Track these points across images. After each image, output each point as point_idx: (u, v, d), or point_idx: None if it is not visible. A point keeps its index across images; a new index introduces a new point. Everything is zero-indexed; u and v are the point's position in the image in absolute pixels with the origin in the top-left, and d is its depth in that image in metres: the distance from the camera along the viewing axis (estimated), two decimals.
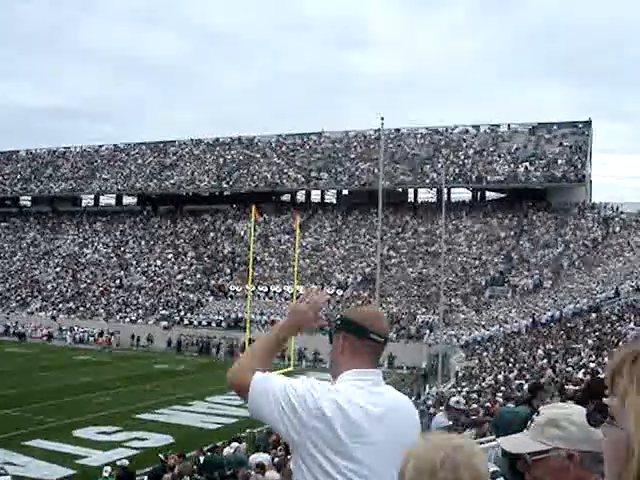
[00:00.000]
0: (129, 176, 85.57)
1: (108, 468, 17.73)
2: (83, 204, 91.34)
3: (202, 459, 17.67)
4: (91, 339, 58.27)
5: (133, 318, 61.79)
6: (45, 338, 59.47)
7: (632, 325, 29.85)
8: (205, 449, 20.40)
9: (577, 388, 15.89)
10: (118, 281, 69.88)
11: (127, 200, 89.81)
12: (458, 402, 8.73)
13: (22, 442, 24.74)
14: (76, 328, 60.21)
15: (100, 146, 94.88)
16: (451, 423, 8.85)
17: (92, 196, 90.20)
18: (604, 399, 1.23)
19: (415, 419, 2.89)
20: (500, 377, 26.48)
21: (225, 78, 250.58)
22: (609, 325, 33.01)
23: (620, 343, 26.01)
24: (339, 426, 2.55)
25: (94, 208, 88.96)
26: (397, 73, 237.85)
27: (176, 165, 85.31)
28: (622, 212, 64.86)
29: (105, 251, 77.07)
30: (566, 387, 16.84)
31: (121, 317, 62.33)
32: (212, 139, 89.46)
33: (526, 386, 21.82)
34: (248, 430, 23.47)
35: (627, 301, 40.03)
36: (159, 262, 72.52)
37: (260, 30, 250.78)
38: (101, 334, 57.80)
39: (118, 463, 18.60)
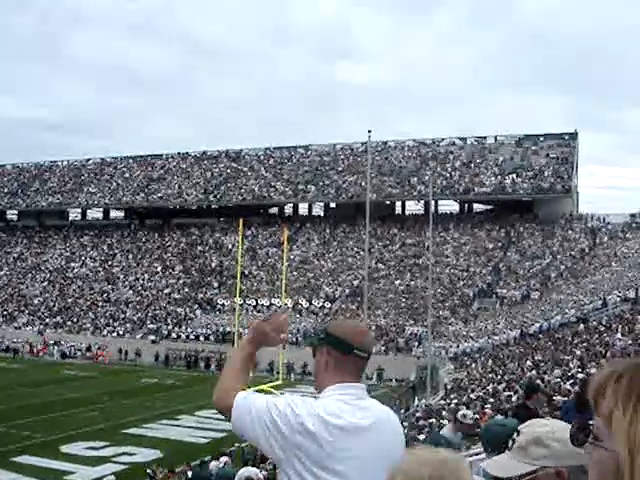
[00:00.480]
0: (116, 190, 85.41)
1: None
2: (70, 218, 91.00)
3: (190, 474, 17.57)
4: (79, 353, 57.90)
5: (121, 332, 61.54)
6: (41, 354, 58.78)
7: (619, 335, 29.94)
8: (193, 464, 20.29)
9: (565, 399, 15.89)
10: (105, 295, 69.62)
11: (114, 214, 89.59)
12: (465, 416, 8.64)
13: (9, 458, 24.54)
14: (63, 342, 59.80)
15: (87, 160, 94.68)
16: (460, 437, 8.72)
17: (79, 210, 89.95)
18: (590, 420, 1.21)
19: (400, 433, 2.88)
20: (489, 388, 26.49)
21: (212, 90, 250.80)
22: (597, 336, 33.09)
23: (608, 354, 26.08)
24: (324, 441, 2.53)
25: (81, 222, 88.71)
26: (384, 84, 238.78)
27: (163, 179, 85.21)
28: (609, 223, 65.16)
29: (92, 265, 76.79)
30: (554, 398, 16.86)
31: (109, 331, 62.03)
32: (199, 152, 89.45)
33: (515, 397, 21.83)
34: (237, 444, 23.33)
35: (615, 311, 40.16)
36: (147, 276, 72.33)
37: (247, 42, 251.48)
38: (89, 349, 57.54)
39: (108, 477, 18.48)
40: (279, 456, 2.58)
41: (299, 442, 2.53)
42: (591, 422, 1.17)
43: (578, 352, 29.52)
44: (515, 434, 2.24)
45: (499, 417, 11.38)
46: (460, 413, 8.83)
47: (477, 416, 17.17)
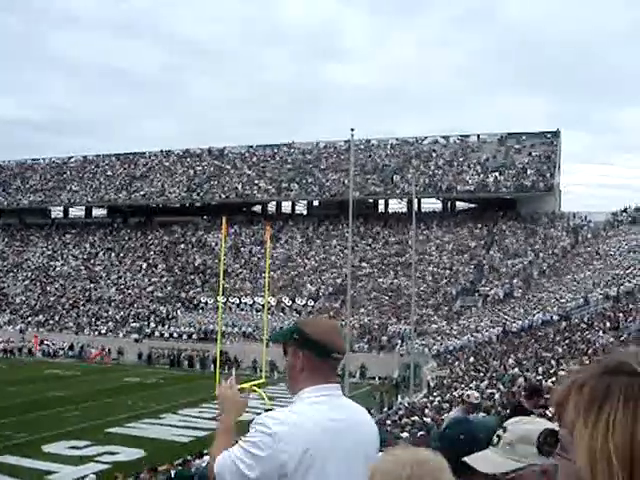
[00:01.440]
0: (99, 188, 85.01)
1: None
2: (52, 216, 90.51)
3: (173, 473, 17.53)
4: (61, 352, 57.57)
5: (103, 331, 61.29)
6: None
7: (601, 333, 30.16)
8: (176, 463, 20.24)
9: (547, 397, 15.97)
10: (88, 294, 69.31)
11: (97, 212, 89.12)
12: (469, 396, 8.84)
13: None
14: (46, 342, 59.40)
15: (69, 158, 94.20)
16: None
17: (61, 208, 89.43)
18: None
19: (375, 431, 2.92)
20: (472, 386, 26.58)
21: (197, 89, 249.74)
22: (579, 333, 33.31)
23: (590, 351, 26.26)
24: (306, 450, 2.56)
25: (63, 220, 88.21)
26: (369, 84, 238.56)
27: (146, 176, 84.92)
28: (591, 221, 65.53)
29: (75, 263, 76.42)
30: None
31: (91, 330, 61.77)
32: (182, 150, 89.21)
33: (497, 395, 21.93)
34: None
35: (596, 309, 40.43)
36: (129, 274, 72.09)
37: (233, 41, 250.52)
38: (71, 347, 57.27)
39: (91, 475, 18.39)
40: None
41: (283, 459, 2.54)
42: (559, 432, 1.17)
43: (560, 350, 29.71)
44: (501, 430, 2.24)
45: (481, 415, 11.41)
46: (465, 394, 9.05)
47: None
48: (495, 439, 2.23)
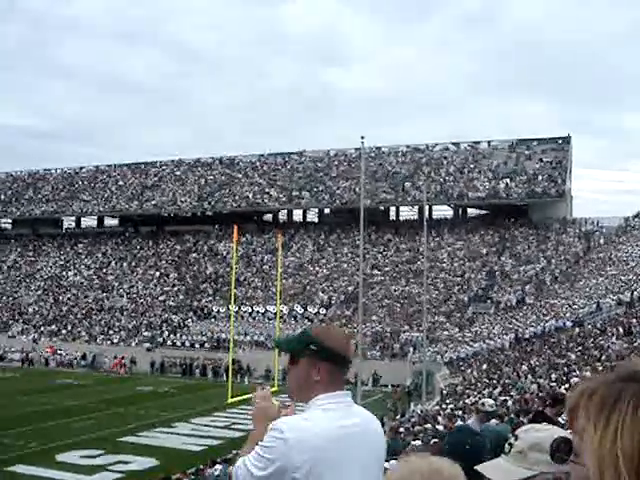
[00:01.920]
0: (110, 198, 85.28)
1: None
2: (64, 226, 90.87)
3: None
4: (75, 362, 57.74)
5: (116, 340, 61.39)
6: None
7: (614, 339, 30.00)
8: (189, 472, 20.24)
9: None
10: (100, 303, 69.49)
11: (109, 222, 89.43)
12: (484, 404, 8.76)
13: (4, 468, 24.42)
14: (59, 351, 59.60)
15: (81, 168, 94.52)
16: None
17: (73, 218, 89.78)
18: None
19: (382, 435, 2.98)
20: (485, 393, 26.48)
21: (205, 98, 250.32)
22: (592, 340, 33.15)
23: (603, 357, 26.14)
24: (318, 457, 2.57)
25: (75, 230, 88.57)
26: (378, 90, 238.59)
27: (157, 186, 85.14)
28: (603, 227, 65.30)
29: (87, 273, 76.66)
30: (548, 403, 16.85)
31: (104, 339, 61.91)
32: (193, 160, 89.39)
33: (510, 402, 21.83)
34: (234, 451, 23.28)
35: (609, 315, 40.24)
36: (141, 283, 72.24)
37: (241, 48, 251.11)
38: (83, 357, 57.41)
39: None
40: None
41: (305, 461, 2.56)
42: (571, 439, 1.18)
43: (573, 356, 29.58)
44: (513, 439, 2.24)
45: (493, 422, 11.39)
46: (480, 402, 8.97)
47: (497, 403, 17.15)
48: (507, 447, 2.23)
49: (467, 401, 25.91)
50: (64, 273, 77.52)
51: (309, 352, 2.78)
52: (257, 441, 2.85)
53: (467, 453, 2.18)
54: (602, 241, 62.55)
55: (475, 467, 2.29)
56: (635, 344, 26.38)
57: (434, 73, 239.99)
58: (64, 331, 64.63)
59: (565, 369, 26.03)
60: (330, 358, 2.77)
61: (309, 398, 2.77)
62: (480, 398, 25.58)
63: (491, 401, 9.34)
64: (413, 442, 14.71)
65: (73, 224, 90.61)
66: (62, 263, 79.76)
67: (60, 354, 58.86)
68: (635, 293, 41.92)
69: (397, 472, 1.80)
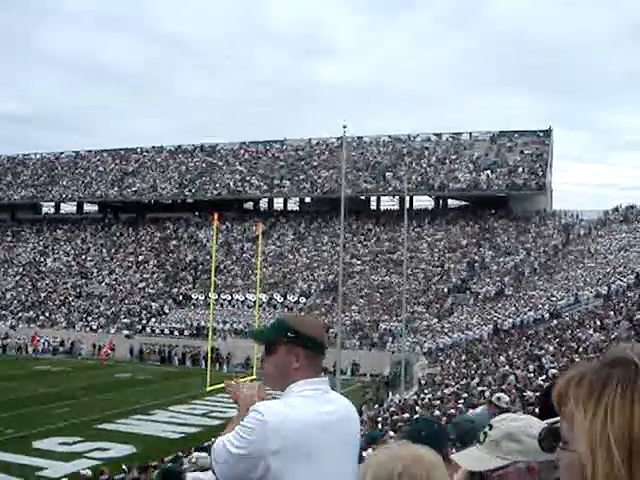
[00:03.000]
0: (90, 183, 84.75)
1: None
2: (43, 212, 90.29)
3: (163, 469, 17.48)
4: (50, 348, 57.43)
5: (94, 327, 61.16)
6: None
7: (591, 331, 30.22)
8: (166, 459, 20.22)
9: (537, 394, 16.02)
10: (79, 289, 69.17)
11: (88, 208, 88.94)
12: (499, 399, 8.75)
13: None
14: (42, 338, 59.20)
15: (61, 153, 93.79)
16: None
17: (53, 204, 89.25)
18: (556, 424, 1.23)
19: (358, 421, 3.02)
20: (463, 384, 26.63)
21: (190, 86, 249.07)
22: (569, 331, 33.37)
23: (580, 349, 26.33)
24: (296, 441, 2.60)
25: (55, 216, 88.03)
26: (362, 81, 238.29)
27: (138, 172, 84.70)
28: (582, 219, 65.71)
29: (66, 259, 76.25)
30: (525, 393, 17.03)
31: (82, 326, 61.63)
32: (174, 146, 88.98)
33: (487, 392, 21.97)
34: (213, 439, 23.25)
35: (587, 307, 40.54)
36: (121, 270, 71.97)
37: (226, 38, 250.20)
38: (61, 343, 57.14)
39: (82, 472, 18.32)
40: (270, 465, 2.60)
41: (278, 449, 2.57)
42: (558, 427, 1.20)
43: (551, 348, 29.75)
44: (487, 428, 2.26)
45: (471, 411, 11.45)
46: (495, 396, 8.98)
47: (452, 411, 17.26)
48: (482, 436, 2.25)
49: (445, 391, 26.02)
50: (43, 259, 77.06)
51: (287, 340, 2.81)
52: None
53: (423, 441, 2.19)
54: (581, 234, 62.96)
55: (451, 456, 2.32)
56: (612, 336, 26.58)
57: (418, 65, 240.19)
58: (42, 317, 64.26)
59: (543, 360, 26.18)
60: (308, 345, 2.81)
61: (287, 385, 2.79)
62: (459, 388, 25.70)
63: (506, 397, 9.33)
64: (392, 431, 14.77)
65: (52, 210, 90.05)
66: (41, 249, 79.28)
67: (45, 341, 58.51)
68: (612, 286, 42.26)
69: (376, 458, 1.81)
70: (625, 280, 42.51)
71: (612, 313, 33.52)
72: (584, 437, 1.07)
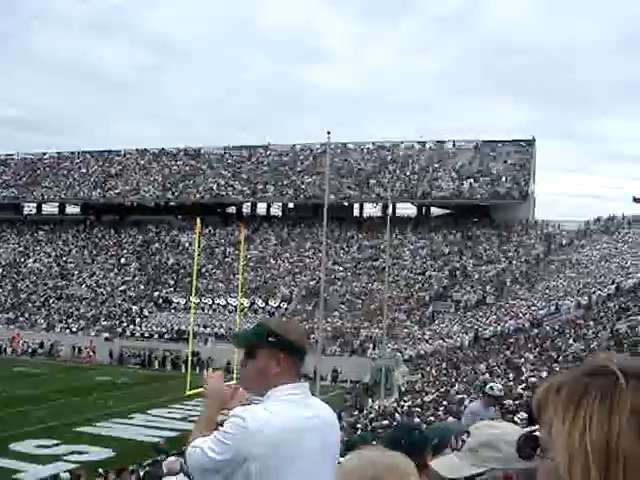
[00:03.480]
0: (72, 185, 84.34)
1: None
2: (25, 212, 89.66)
3: (142, 473, 17.43)
4: (29, 350, 57.03)
5: (74, 329, 60.83)
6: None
7: (571, 341, 30.38)
8: (145, 463, 20.14)
9: (517, 402, 16.08)
10: (59, 291, 68.77)
11: (70, 209, 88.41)
12: (492, 388, 8.71)
13: None
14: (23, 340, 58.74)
15: (43, 154, 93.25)
16: (493, 411, 8.68)
17: (34, 204, 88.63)
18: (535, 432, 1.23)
19: (338, 427, 3.04)
20: (443, 391, 26.69)
21: (175, 90, 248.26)
22: (550, 341, 33.52)
23: (560, 358, 26.45)
24: (276, 446, 2.60)
25: (36, 217, 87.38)
26: (347, 88, 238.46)
27: (121, 175, 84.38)
28: (563, 230, 66.02)
29: (47, 260, 75.78)
30: (504, 402, 17.04)
31: (62, 328, 61.28)
32: (158, 149, 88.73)
33: (467, 401, 22.00)
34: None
35: (567, 317, 40.74)
36: (102, 272, 71.60)
37: (213, 42, 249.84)
38: (40, 345, 56.78)
39: (61, 475, 18.22)
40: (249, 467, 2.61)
41: (259, 453, 2.58)
42: (537, 434, 1.20)
43: (531, 356, 29.89)
44: (465, 435, 2.26)
45: (450, 419, 11.48)
46: (487, 386, 8.92)
47: (432, 418, 17.31)
48: (460, 443, 2.25)
49: (426, 398, 26.08)
50: (23, 259, 76.57)
51: (268, 344, 2.81)
52: (209, 422, 2.88)
53: (403, 449, 2.20)
54: (563, 243, 63.28)
55: (429, 463, 2.32)
56: (592, 346, 26.72)
57: (404, 73, 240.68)
58: (22, 318, 63.87)
59: (523, 369, 26.29)
60: (289, 349, 2.81)
61: (267, 389, 2.79)
62: (439, 395, 25.76)
63: (499, 385, 9.31)
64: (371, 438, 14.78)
65: (34, 210, 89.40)
66: (21, 249, 78.74)
67: (25, 342, 58.08)
68: (593, 296, 42.49)
69: (349, 463, 1.81)
70: (605, 290, 42.78)
71: (592, 323, 33.72)
72: (562, 446, 1.06)
